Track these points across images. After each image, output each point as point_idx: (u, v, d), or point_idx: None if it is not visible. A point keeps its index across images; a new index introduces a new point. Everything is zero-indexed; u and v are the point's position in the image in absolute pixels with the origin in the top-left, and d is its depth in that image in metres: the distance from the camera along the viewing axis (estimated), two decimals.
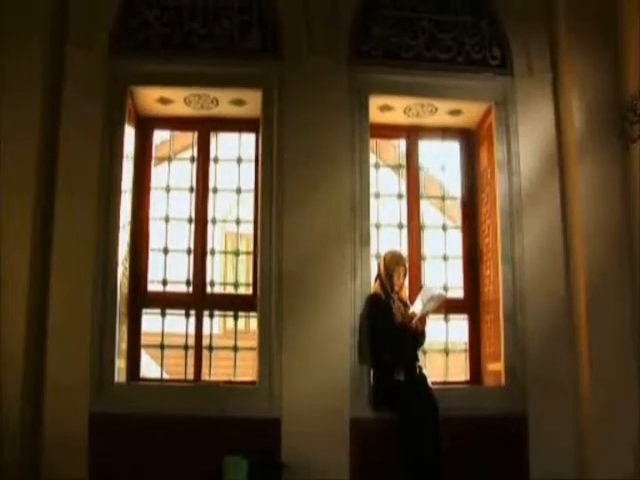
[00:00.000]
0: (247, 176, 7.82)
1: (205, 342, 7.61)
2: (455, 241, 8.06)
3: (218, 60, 7.50)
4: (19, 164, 6.83)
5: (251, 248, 7.70)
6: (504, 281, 7.41)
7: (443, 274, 7.97)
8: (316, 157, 7.31)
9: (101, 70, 7.33)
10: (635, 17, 7.30)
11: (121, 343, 7.19)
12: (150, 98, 7.68)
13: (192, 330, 7.59)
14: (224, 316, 8.07)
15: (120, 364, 7.13)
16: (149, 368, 8.46)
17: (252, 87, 7.57)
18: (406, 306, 7.09)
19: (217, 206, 7.87)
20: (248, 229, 7.75)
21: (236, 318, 7.72)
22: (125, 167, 7.35)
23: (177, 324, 7.66)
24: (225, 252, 8.99)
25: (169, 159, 8.04)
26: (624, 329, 7.10)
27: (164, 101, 7.71)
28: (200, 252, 7.74)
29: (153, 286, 7.72)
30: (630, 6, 7.41)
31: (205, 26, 7.53)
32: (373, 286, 7.20)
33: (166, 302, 7.67)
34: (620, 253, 7.25)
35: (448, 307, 7.61)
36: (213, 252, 7.77)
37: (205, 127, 7.95)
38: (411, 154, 8.07)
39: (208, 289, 7.71)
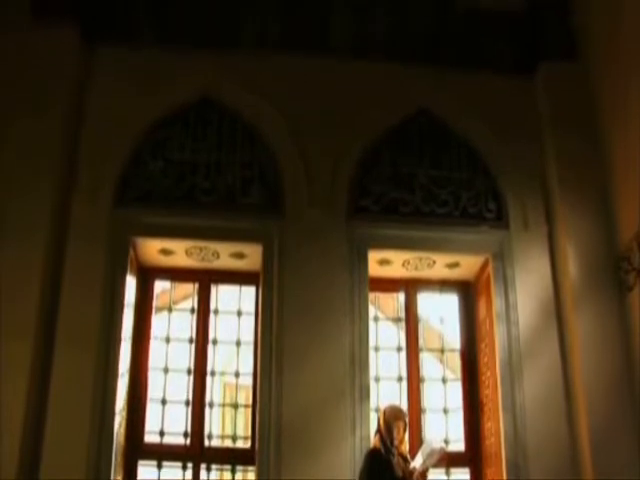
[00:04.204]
0: (247, 328, 7.86)
1: None
2: (455, 393, 8.01)
3: (219, 214, 7.67)
4: (20, 309, 6.88)
5: (250, 400, 7.67)
6: (505, 433, 7.29)
7: (443, 427, 7.88)
8: (316, 311, 7.37)
9: (104, 220, 7.46)
10: (624, 168, 7.50)
11: None
12: (152, 249, 7.80)
13: None
14: (222, 469, 7.92)
15: None
16: None
17: (253, 241, 7.71)
18: (406, 461, 6.92)
19: (216, 358, 7.87)
20: (247, 381, 7.72)
21: (234, 472, 7.60)
22: (125, 316, 7.37)
23: (174, 476, 7.51)
24: (224, 404, 8.84)
25: (169, 309, 8.09)
26: (630, 476, 6.93)
27: (166, 252, 7.83)
28: (198, 404, 7.68)
29: (150, 437, 7.61)
30: (619, 158, 7.62)
31: (207, 180, 7.73)
32: (373, 440, 7.06)
33: (163, 454, 7.55)
34: (622, 400, 7.17)
35: (449, 461, 7.41)
36: (212, 404, 7.72)
37: (206, 279, 8.05)
38: (410, 306, 8.13)
39: (206, 442, 7.60)
